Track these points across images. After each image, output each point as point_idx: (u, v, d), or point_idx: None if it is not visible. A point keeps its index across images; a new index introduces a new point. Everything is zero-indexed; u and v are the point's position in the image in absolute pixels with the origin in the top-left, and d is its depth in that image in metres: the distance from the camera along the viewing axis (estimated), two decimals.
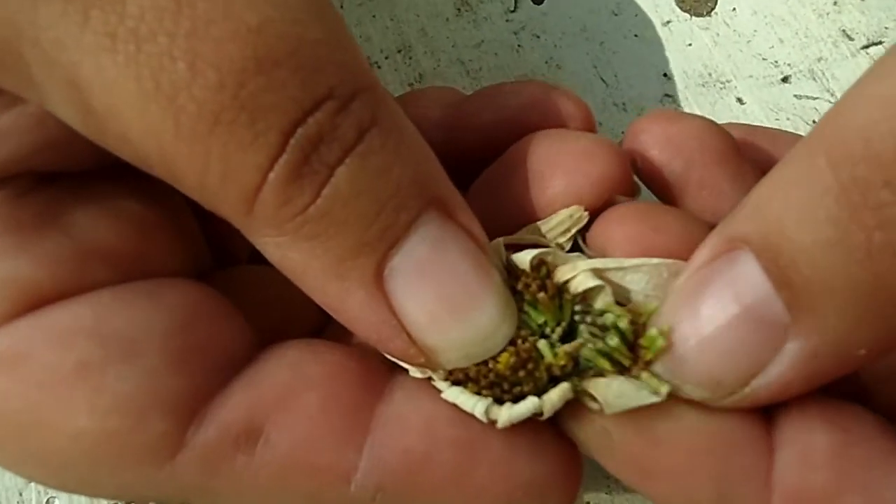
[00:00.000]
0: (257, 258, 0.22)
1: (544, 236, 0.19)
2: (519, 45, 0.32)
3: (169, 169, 0.15)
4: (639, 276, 0.17)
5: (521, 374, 0.17)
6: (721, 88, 0.31)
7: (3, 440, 0.16)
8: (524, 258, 0.18)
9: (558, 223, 0.19)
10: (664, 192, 0.21)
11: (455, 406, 0.17)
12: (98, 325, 0.16)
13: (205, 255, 0.21)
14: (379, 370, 0.18)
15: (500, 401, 0.17)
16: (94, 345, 0.16)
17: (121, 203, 0.18)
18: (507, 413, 0.17)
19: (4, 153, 0.16)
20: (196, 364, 0.17)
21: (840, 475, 0.16)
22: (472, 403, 0.17)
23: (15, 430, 0.16)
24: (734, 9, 0.33)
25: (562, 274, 0.18)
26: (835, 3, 0.33)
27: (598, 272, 0.17)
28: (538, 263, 0.18)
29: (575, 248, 0.19)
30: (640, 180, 0.22)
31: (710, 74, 0.32)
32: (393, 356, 0.17)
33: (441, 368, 0.17)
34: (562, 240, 0.19)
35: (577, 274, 0.17)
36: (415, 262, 0.16)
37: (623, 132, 0.30)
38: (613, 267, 0.17)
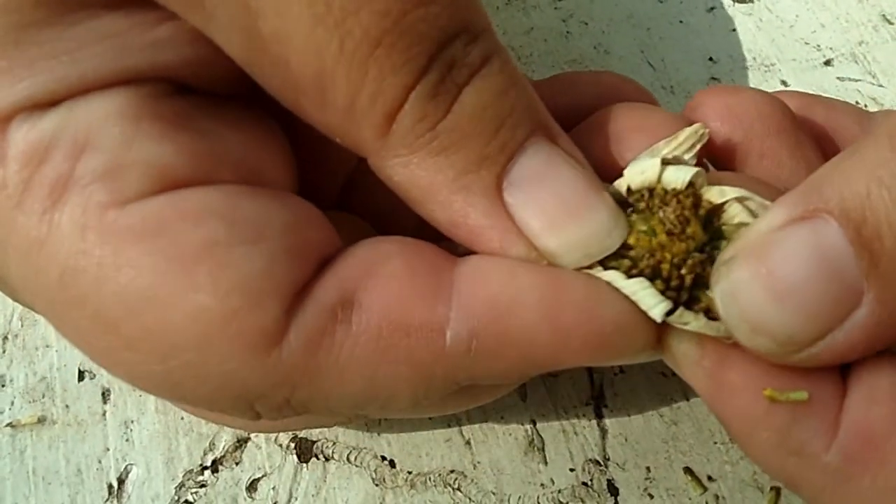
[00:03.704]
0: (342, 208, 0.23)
1: (667, 156, 0.20)
2: (568, 32, 0.33)
3: (322, 91, 0.16)
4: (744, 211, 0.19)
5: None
6: (766, 72, 0.32)
7: (119, 319, 0.17)
8: (673, 176, 0.19)
9: (684, 139, 0.20)
10: (725, 161, 0.22)
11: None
12: (227, 208, 0.17)
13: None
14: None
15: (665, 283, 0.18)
16: (223, 225, 0.17)
17: (246, 124, 0.19)
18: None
19: (158, 58, 0.17)
20: (307, 257, 0.18)
21: None
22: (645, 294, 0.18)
23: (134, 305, 0.17)
24: None
25: (706, 192, 0.19)
26: None
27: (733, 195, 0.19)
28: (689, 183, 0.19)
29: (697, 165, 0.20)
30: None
31: (754, 59, 0.33)
32: None
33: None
34: (687, 156, 0.20)
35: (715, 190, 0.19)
36: (531, 174, 0.18)
37: None
38: (747, 195, 0.19)
